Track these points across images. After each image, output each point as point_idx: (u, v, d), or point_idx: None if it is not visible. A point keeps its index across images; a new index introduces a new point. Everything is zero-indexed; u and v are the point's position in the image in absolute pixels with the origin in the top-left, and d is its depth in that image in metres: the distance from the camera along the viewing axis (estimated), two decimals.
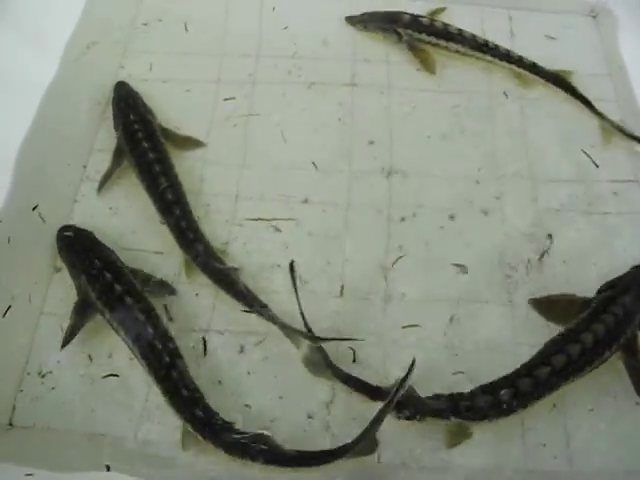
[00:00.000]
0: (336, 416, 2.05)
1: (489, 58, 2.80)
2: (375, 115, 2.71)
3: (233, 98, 2.73)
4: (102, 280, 2.11)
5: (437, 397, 1.96)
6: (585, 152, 2.61)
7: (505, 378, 1.99)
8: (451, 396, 1.96)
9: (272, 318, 2.11)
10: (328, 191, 2.50)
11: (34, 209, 2.32)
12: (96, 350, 2.15)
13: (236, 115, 2.70)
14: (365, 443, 1.86)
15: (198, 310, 2.24)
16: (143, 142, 2.42)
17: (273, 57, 2.88)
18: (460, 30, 2.82)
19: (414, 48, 2.84)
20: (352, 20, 2.95)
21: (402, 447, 2.00)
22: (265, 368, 2.13)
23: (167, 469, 1.97)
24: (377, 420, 1.86)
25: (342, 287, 2.29)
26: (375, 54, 2.90)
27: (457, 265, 2.33)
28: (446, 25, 2.82)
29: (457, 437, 1.97)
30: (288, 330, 2.09)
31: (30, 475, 1.81)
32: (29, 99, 2.40)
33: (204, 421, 1.92)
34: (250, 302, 2.16)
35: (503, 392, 1.93)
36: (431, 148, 2.63)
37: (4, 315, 2.12)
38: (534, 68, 2.78)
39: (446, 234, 2.41)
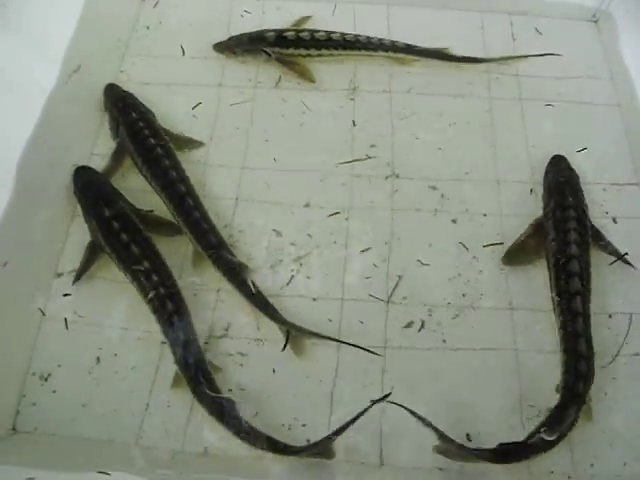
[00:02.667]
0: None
1: (365, 52, 2.81)
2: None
3: (237, 103, 2.74)
4: (110, 228, 2.19)
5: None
6: None
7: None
8: None
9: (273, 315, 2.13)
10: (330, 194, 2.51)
11: (36, 211, 2.31)
12: (98, 354, 2.15)
13: (237, 118, 2.70)
14: (322, 448, 1.89)
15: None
16: (150, 139, 2.43)
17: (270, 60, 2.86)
18: (328, 33, 2.78)
19: (287, 63, 2.80)
20: (220, 47, 2.85)
21: (404, 449, 2.00)
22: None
23: (168, 473, 1.96)
24: (339, 430, 1.87)
25: (343, 291, 2.28)
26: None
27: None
28: (313, 33, 2.77)
29: None
30: (289, 327, 2.11)
31: (32, 479, 1.79)
32: (31, 103, 2.39)
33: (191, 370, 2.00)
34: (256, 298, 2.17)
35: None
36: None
37: (6, 319, 2.11)
38: (410, 49, 2.80)
39: None
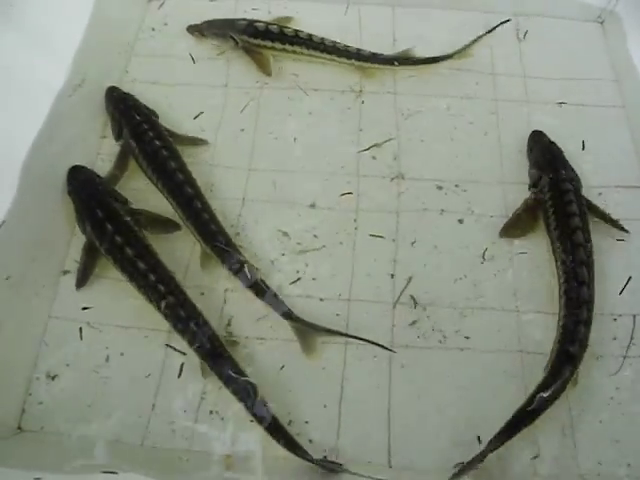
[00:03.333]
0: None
1: (327, 56, 2.82)
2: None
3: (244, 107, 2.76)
4: (104, 230, 2.19)
5: None
6: None
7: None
8: None
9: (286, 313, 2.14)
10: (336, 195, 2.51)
11: (41, 210, 2.32)
12: (105, 353, 2.15)
13: (243, 119, 2.71)
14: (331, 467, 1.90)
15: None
16: (155, 141, 2.43)
17: (278, 61, 2.89)
18: (297, 32, 2.81)
19: (250, 52, 2.85)
20: (191, 29, 2.95)
21: (412, 451, 2.00)
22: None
23: (176, 474, 1.97)
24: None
25: (349, 291, 2.29)
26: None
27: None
28: (282, 28, 2.83)
29: None
30: (302, 325, 2.12)
31: (38, 479, 1.80)
32: (38, 104, 2.39)
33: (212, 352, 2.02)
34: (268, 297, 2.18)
35: None
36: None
37: (12, 318, 2.11)
38: (375, 57, 2.81)
39: None
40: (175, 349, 2.14)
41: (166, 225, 2.35)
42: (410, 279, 2.30)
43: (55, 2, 2.48)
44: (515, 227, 2.41)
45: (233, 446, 2.00)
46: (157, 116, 2.62)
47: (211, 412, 2.05)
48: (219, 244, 2.24)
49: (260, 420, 1.94)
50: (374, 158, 2.60)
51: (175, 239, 2.36)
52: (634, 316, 2.24)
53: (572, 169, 2.47)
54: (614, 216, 2.43)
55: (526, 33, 3.00)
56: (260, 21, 2.86)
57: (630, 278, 2.29)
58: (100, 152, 2.60)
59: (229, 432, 2.02)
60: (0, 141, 2.23)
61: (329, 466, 1.90)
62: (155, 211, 2.38)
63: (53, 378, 2.11)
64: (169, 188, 2.37)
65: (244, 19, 2.88)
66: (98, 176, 2.42)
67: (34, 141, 2.32)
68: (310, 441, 2.00)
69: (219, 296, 2.27)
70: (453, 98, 2.79)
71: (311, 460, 1.90)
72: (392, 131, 2.68)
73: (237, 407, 2.01)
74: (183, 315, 2.06)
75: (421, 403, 2.06)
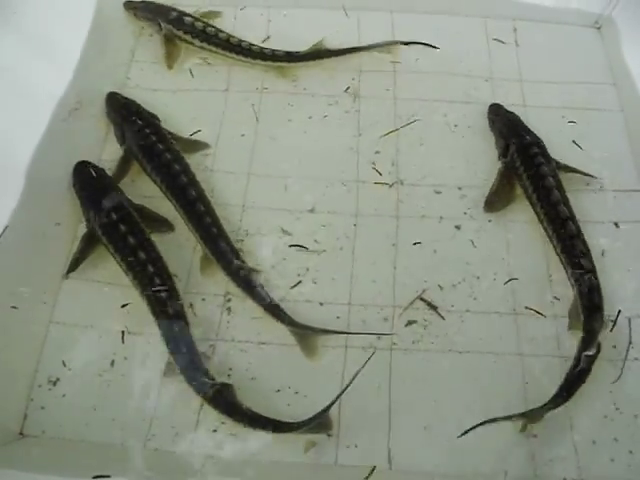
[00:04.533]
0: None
1: (243, 58, 2.85)
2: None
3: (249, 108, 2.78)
4: (109, 223, 2.24)
5: None
6: None
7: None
8: None
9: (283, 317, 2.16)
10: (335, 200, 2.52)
11: (43, 215, 2.34)
12: (108, 358, 2.16)
13: (243, 124, 2.72)
14: (320, 421, 1.93)
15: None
16: (158, 144, 2.46)
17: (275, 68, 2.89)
18: (217, 31, 2.86)
19: (168, 41, 2.88)
20: (128, 5, 2.99)
21: (412, 453, 2.01)
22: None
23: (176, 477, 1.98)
24: (333, 402, 1.92)
25: (350, 296, 2.30)
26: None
27: None
28: (206, 26, 2.86)
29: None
30: (299, 328, 2.14)
31: None
32: (40, 108, 2.42)
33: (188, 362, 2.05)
34: (266, 302, 2.20)
35: None
36: None
37: (14, 323, 2.13)
38: (290, 56, 2.84)
39: None
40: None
41: (161, 224, 2.39)
42: (407, 284, 2.32)
43: (56, 9, 2.50)
44: (496, 200, 2.49)
45: (234, 450, 2.00)
46: (159, 120, 2.64)
47: (214, 414, 2.04)
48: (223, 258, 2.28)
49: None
50: (373, 163, 2.62)
51: (175, 243, 2.39)
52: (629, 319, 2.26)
53: (534, 133, 2.59)
54: (612, 219, 2.47)
55: (524, 38, 3.02)
56: (190, 15, 2.90)
57: (620, 311, 2.27)
58: (102, 157, 2.60)
59: (230, 435, 2.03)
60: (2, 146, 2.25)
61: (313, 425, 1.92)
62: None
63: (55, 383, 2.11)
64: (172, 191, 2.40)
65: (175, 9, 2.93)
66: (103, 170, 2.46)
67: (37, 146, 2.34)
68: (312, 443, 2.01)
69: (219, 300, 2.28)
70: (452, 102, 2.80)
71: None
72: (391, 135, 2.68)
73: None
74: (170, 312, 2.10)
75: (419, 404, 2.08)
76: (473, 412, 2.05)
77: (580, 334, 2.13)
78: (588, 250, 2.27)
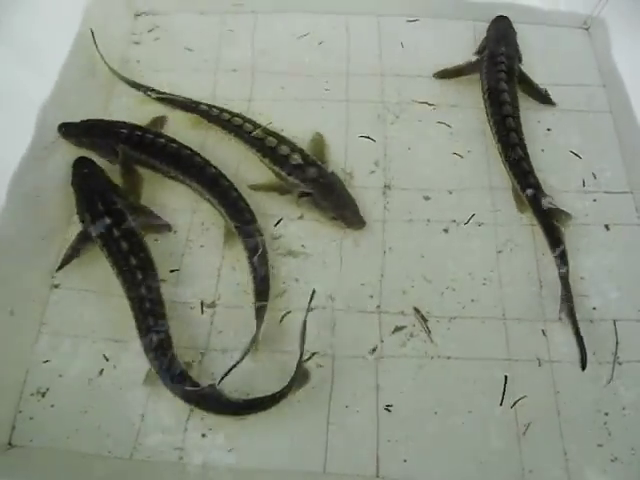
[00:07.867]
0: None
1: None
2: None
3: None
4: (104, 222, 2.26)
5: None
6: None
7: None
8: None
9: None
10: None
11: (31, 223, 2.34)
12: (97, 367, 2.16)
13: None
14: (299, 377, 1.99)
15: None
16: (157, 139, 2.51)
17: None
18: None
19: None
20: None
21: (400, 461, 2.01)
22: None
23: None
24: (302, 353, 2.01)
25: (337, 301, 2.30)
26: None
27: None
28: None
29: None
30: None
31: None
32: (27, 118, 2.42)
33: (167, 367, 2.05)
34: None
35: None
36: None
37: (2, 334, 2.13)
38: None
39: None
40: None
41: (160, 225, 2.42)
42: (393, 289, 2.32)
43: (42, 18, 2.49)
44: (450, 73, 2.84)
45: (223, 456, 2.01)
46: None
47: (201, 422, 2.06)
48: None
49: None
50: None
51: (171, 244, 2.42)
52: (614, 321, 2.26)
53: (516, 49, 2.85)
54: (603, 221, 2.47)
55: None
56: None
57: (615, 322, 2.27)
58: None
59: (219, 443, 2.03)
60: None
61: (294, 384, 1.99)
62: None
63: (43, 394, 2.11)
64: (190, 174, 2.45)
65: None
66: (101, 169, 2.47)
67: (23, 155, 2.33)
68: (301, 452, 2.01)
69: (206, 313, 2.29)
70: (442, 106, 2.79)
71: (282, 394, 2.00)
72: (379, 140, 2.69)
73: (226, 418, 2.03)
74: (151, 324, 2.11)
75: (406, 410, 2.07)
76: (463, 420, 2.06)
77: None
78: (527, 155, 2.51)
